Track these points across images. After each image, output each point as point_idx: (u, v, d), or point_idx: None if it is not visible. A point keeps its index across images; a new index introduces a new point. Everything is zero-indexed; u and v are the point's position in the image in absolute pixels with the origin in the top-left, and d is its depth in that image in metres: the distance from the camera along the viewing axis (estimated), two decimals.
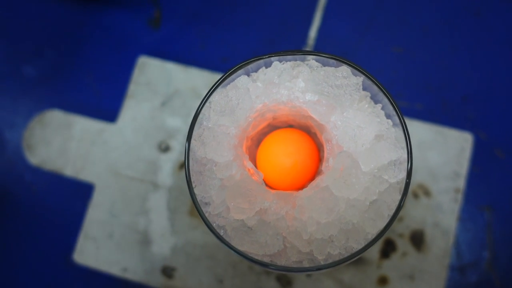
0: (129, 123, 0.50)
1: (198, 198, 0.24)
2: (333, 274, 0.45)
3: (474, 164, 0.47)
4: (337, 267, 0.44)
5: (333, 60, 0.24)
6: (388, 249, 0.45)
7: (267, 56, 0.24)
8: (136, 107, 0.50)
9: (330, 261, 0.24)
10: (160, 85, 0.50)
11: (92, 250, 0.48)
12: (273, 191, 0.24)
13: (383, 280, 0.45)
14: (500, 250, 0.47)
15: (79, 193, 0.49)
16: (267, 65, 0.25)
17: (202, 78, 0.50)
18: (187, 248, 0.47)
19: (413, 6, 0.52)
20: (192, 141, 0.24)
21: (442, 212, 0.46)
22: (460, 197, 0.46)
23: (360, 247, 0.23)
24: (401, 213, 0.46)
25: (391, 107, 0.24)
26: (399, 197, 0.23)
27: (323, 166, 0.25)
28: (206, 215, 0.24)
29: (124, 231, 0.48)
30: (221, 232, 0.24)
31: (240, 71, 0.24)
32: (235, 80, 0.24)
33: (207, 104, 0.24)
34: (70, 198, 0.50)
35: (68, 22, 0.53)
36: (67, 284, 0.48)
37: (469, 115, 0.49)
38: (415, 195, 0.46)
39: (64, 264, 0.48)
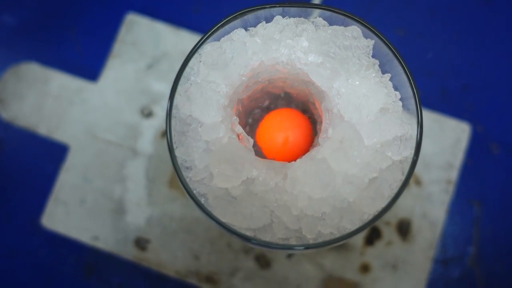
0: (111, 84, 0.47)
1: (179, 161, 0.22)
2: (314, 258, 0.43)
3: (469, 157, 0.45)
4: (320, 249, 0.42)
5: (342, 18, 0.21)
6: (373, 236, 0.44)
7: (269, 6, 0.21)
8: (120, 67, 0.47)
9: (320, 240, 0.21)
10: (147, 46, 0.47)
11: (62, 215, 0.45)
12: (263, 160, 0.22)
13: (365, 268, 0.43)
14: (486, 246, 0.45)
15: (52, 153, 0.46)
16: (268, 20, 0.22)
17: (194, 42, 0.46)
18: (164, 220, 0.45)
19: None
20: (177, 95, 0.21)
21: (432, 203, 0.44)
22: (451, 188, 0.44)
23: (354, 228, 0.21)
24: None
25: (400, 78, 0.21)
26: (402, 177, 0.21)
27: (320, 137, 0.23)
28: (187, 180, 0.22)
29: (97, 198, 0.45)
30: (202, 201, 0.22)
31: (236, 22, 0.22)
32: (231, 33, 0.22)
33: (196, 56, 0.21)
34: (42, 158, 0.47)
35: None
36: (33, 249, 0.45)
37: (468, 105, 0.47)
38: None
39: (31, 227, 0.45)
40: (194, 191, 0.22)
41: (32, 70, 0.47)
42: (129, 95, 0.46)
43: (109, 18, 0.48)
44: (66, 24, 0.48)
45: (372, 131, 0.21)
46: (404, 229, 0.44)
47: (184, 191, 0.21)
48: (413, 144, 0.21)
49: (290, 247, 0.20)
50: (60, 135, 0.46)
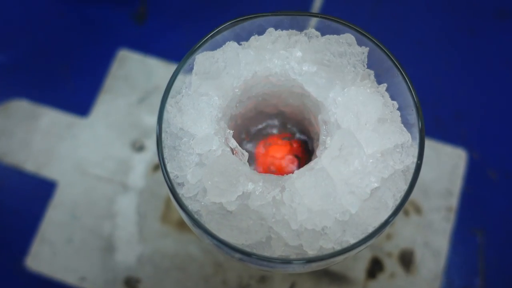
0: (102, 119, 0.46)
1: (171, 177, 0.21)
2: None
3: (467, 183, 0.44)
4: (320, 279, 0.40)
5: (335, 28, 0.21)
6: (375, 268, 0.42)
7: (261, 15, 0.21)
8: (112, 102, 0.46)
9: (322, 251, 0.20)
10: (139, 80, 0.47)
11: (47, 255, 0.43)
12: (259, 173, 0.21)
13: None
14: (492, 277, 0.44)
15: (39, 191, 0.45)
16: (260, 33, 0.22)
17: None
18: (155, 258, 0.42)
19: (408, 20, 0.51)
20: (167, 107, 0.20)
21: (434, 232, 0.42)
22: (452, 216, 0.43)
23: (361, 248, 0.20)
24: (390, 230, 0.43)
25: (397, 88, 0.21)
26: (405, 186, 0.20)
27: (318, 151, 0.22)
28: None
29: (85, 236, 0.43)
30: (191, 223, 0.20)
31: (229, 36, 0.21)
32: (223, 46, 0.21)
33: (186, 68, 0.21)
34: (29, 196, 0.45)
35: (47, 11, 0.50)
36: None
37: (462, 132, 0.46)
38: (406, 212, 0.43)
39: (14, 269, 0.43)
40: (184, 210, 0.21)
41: (22, 107, 0.46)
42: (120, 129, 0.46)
43: (101, 54, 0.48)
44: (57, 62, 0.48)
45: (372, 139, 0.20)
46: (407, 260, 0.42)
47: (177, 206, 0.20)
48: (415, 152, 0.20)
49: (290, 261, 0.18)
50: (48, 172, 0.45)
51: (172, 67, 0.47)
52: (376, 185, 0.20)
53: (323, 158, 0.20)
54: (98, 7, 0.50)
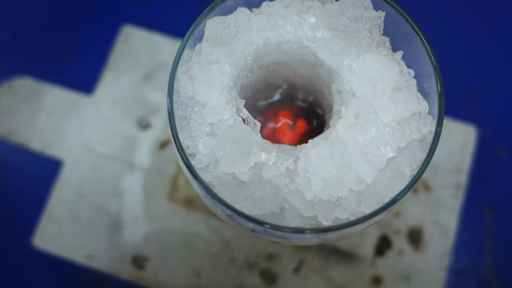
0: (107, 96, 0.45)
1: (183, 146, 0.20)
2: (323, 271, 0.41)
3: (477, 161, 0.44)
4: (327, 264, 0.40)
5: None
6: (383, 246, 0.42)
7: None
8: (116, 79, 0.46)
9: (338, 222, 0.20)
10: (144, 57, 0.46)
11: (54, 234, 0.42)
12: (272, 143, 0.20)
13: (376, 280, 0.41)
14: (500, 255, 0.43)
15: (45, 169, 0.44)
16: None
17: None
18: (162, 236, 0.42)
19: None
20: (178, 74, 0.20)
21: (442, 209, 0.42)
22: (461, 193, 0.43)
23: (376, 218, 0.19)
24: (398, 208, 0.42)
25: (414, 56, 0.20)
26: (422, 156, 0.20)
27: (332, 121, 0.21)
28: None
29: (92, 214, 0.43)
30: (204, 193, 0.20)
31: (239, 1, 0.21)
32: (234, 12, 0.21)
33: (196, 35, 0.20)
34: (35, 174, 0.45)
35: None
36: (24, 271, 0.42)
37: (472, 110, 0.46)
38: (414, 190, 0.43)
39: (22, 248, 0.43)
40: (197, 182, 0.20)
41: (26, 85, 0.46)
42: (126, 107, 0.45)
43: (104, 31, 0.47)
44: (60, 39, 0.48)
45: (388, 107, 0.20)
46: (415, 237, 0.42)
47: (190, 177, 0.19)
48: (433, 120, 0.19)
49: (304, 231, 0.18)
50: (53, 150, 0.44)
51: (177, 43, 0.46)
52: (392, 154, 0.20)
53: (338, 127, 0.20)
54: None
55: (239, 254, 0.42)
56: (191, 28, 0.19)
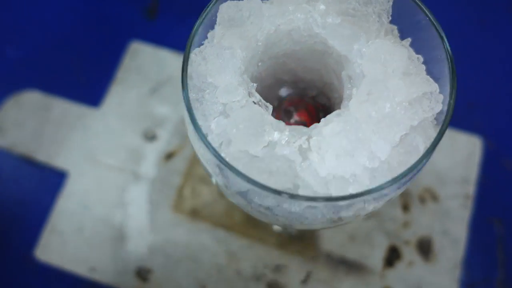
0: (114, 109, 0.46)
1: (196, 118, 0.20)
2: (331, 283, 0.40)
3: (484, 172, 0.44)
4: (336, 272, 0.39)
5: None
6: (393, 257, 0.41)
7: None
8: (124, 92, 0.46)
9: (353, 204, 0.19)
10: (151, 71, 0.47)
11: (57, 246, 0.42)
12: (284, 123, 0.21)
13: None
14: None
15: (50, 181, 0.44)
16: None
17: None
18: (167, 248, 0.42)
19: None
20: (191, 55, 0.20)
21: (451, 219, 0.42)
22: (470, 204, 0.42)
23: (390, 193, 0.19)
24: (407, 218, 0.42)
25: (423, 43, 0.21)
26: (435, 134, 0.20)
27: (343, 105, 0.22)
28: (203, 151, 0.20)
29: (96, 225, 0.42)
30: (217, 170, 0.20)
31: None
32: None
33: (206, 23, 0.20)
34: (40, 186, 0.44)
35: (60, 5, 0.51)
36: (25, 283, 0.41)
37: (475, 123, 0.46)
38: (422, 200, 0.42)
39: (23, 260, 0.42)
40: (209, 163, 0.20)
41: (34, 98, 0.46)
42: (132, 118, 0.45)
43: (113, 47, 0.48)
44: (69, 55, 0.49)
45: (399, 87, 0.20)
46: (425, 248, 0.41)
47: (202, 149, 0.19)
48: (444, 98, 0.20)
49: (316, 199, 0.18)
50: (59, 162, 0.44)
51: None
52: (405, 132, 0.20)
53: (350, 105, 0.20)
54: (110, 3, 0.50)
55: (245, 266, 0.41)
56: (205, 10, 0.20)
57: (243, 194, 0.19)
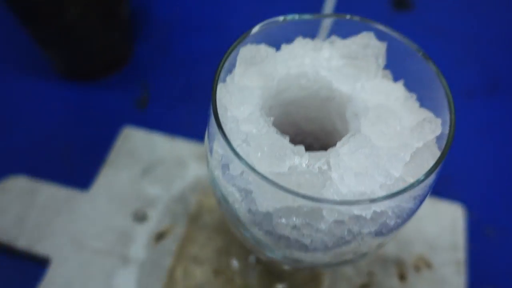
0: (104, 191, 0.45)
1: (217, 157, 0.21)
2: None
3: (471, 238, 0.45)
4: None
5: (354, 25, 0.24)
6: None
7: (282, 19, 0.24)
8: (114, 174, 0.46)
9: (376, 218, 0.20)
10: (143, 153, 0.48)
11: None
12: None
13: None
14: None
15: (29, 270, 0.41)
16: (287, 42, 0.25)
17: (189, 148, 0.48)
18: None
19: None
20: (219, 84, 0.22)
21: (449, 286, 0.41)
22: (462, 269, 0.42)
23: (408, 205, 0.20)
24: (404, 287, 0.41)
25: (418, 82, 0.24)
26: (439, 152, 0.21)
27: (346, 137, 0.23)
28: (226, 177, 0.21)
29: None
30: (242, 194, 0.20)
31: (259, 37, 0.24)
32: (259, 45, 0.24)
33: (225, 68, 0.23)
34: (17, 277, 0.41)
35: (51, 96, 0.53)
36: None
37: (454, 194, 0.49)
38: (417, 268, 0.42)
39: None
40: (234, 187, 0.21)
41: (20, 183, 0.46)
42: (122, 200, 0.45)
43: (104, 134, 0.50)
44: (59, 141, 0.49)
45: (403, 112, 0.22)
46: None
47: (228, 148, 0.19)
48: (443, 122, 0.22)
49: (352, 202, 0.18)
50: (41, 247, 0.42)
51: (177, 141, 0.49)
52: (412, 150, 0.21)
53: (362, 128, 0.22)
54: (102, 94, 0.53)
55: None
56: (223, 58, 0.22)
57: (267, 218, 0.20)
